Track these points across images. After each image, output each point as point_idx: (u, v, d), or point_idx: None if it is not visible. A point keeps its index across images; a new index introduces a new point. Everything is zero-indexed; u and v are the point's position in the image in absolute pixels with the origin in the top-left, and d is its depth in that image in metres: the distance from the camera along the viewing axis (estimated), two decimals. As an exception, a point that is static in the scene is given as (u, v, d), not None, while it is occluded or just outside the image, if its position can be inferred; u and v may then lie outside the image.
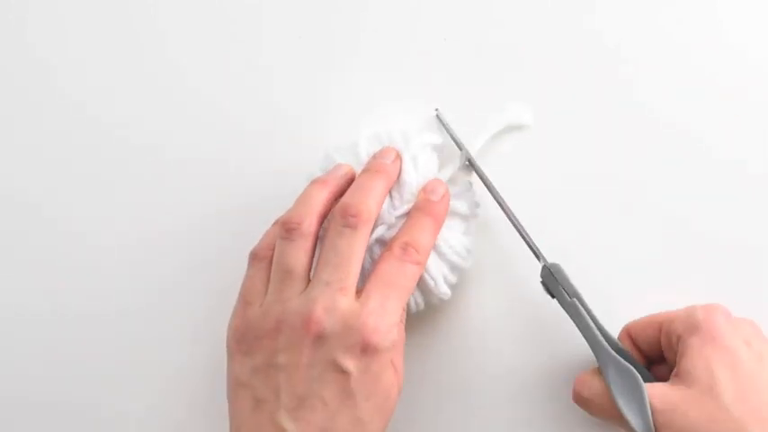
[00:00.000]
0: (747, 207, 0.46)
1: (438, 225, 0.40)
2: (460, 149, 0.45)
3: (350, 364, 0.35)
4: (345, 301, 0.36)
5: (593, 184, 0.46)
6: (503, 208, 0.43)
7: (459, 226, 0.43)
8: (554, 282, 0.40)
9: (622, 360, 0.38)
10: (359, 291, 0.37)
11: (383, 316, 0.36)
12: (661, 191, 0.46)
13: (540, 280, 0.41)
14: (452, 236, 0.42)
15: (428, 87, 0.48)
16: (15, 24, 0.51)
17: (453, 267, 0.42)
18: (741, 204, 0.46)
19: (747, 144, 0.46)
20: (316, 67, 0.49)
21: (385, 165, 0.40)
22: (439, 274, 0.41)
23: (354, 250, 0.37)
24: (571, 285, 0.40)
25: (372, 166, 0.40)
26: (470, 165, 0.44)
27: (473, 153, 0.45)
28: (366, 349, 0.35)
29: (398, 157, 0.41)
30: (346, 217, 0.37)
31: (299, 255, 0.38)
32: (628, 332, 0.41)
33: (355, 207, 0.38)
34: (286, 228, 0.38)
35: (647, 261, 0.45)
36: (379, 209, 0.39)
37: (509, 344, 0.45)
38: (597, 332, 0.39)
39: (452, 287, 0.42)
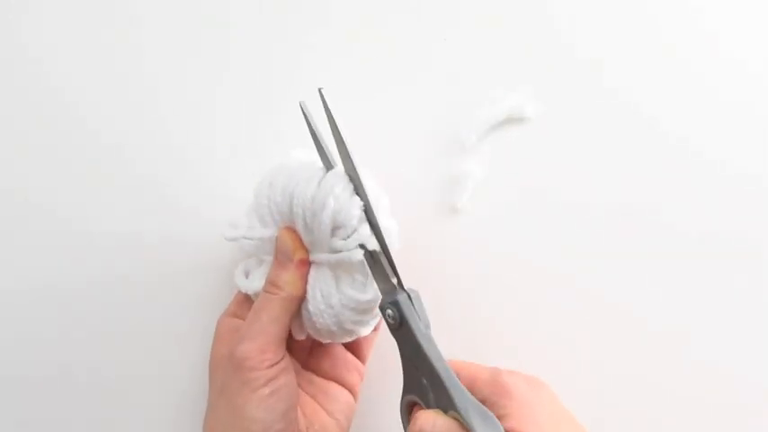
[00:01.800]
0: (747, 207, 0.47)
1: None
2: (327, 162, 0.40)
3: None
4: None
5: (590, 180, 0.47)
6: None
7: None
8: (411, 308, 0.37)
9: (486, 409, 0.35)
10: None
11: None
12: (659, 192, 0.47)
13: (389, 307, 0.38)
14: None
15: (428, 87, 0.48)
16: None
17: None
18: (737, 203, 0.47)
19: (739, 144, 0.48)
20: (316, 68, 0.49)
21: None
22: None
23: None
24: (426, 316, 0.38)
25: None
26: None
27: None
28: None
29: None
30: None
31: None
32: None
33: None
34: None
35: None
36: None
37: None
38: (455, 374, 0.36)
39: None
